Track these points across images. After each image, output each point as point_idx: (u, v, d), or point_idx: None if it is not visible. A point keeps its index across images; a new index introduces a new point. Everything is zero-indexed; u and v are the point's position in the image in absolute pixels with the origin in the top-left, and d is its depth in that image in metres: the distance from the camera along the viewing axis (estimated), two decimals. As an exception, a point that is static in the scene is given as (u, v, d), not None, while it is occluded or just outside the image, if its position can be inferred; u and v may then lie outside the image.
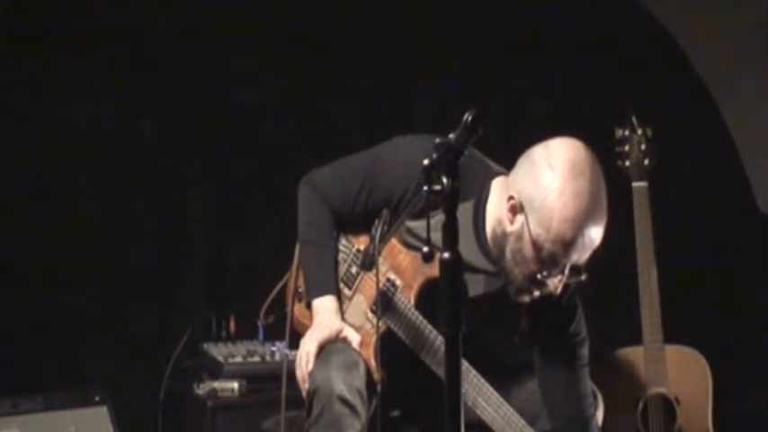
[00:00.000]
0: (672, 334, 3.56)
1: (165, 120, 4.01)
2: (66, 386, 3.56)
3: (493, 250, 2.64)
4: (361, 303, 2.79)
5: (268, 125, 4.09)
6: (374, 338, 2.68)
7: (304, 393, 2.71)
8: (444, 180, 2.01)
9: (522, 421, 2.66)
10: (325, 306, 2.77)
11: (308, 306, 2.82)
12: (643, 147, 3.63)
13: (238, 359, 3.54)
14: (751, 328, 4.25)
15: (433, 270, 2.30)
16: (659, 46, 4.29)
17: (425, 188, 2.03)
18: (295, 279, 2.89)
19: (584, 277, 2.59)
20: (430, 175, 2.02)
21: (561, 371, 2.82)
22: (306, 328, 2.79)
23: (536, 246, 2.53)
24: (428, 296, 2.67)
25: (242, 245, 4.05)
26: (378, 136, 2.83)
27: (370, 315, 2.76)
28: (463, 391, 2.04)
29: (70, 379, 3.70)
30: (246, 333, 3.69)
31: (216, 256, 4.06)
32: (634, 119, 3.66)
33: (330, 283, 2.81)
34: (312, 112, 4.11)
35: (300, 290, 2.87)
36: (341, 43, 4.14)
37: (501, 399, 2.66)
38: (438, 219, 2.03)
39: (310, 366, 2.68)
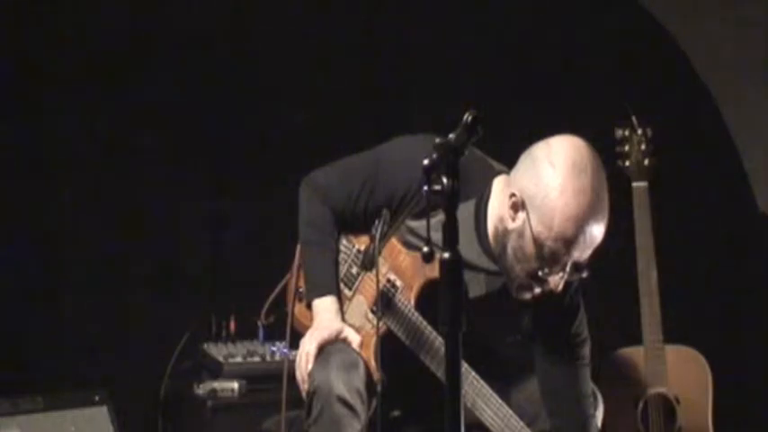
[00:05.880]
0: (672, 334, 3.56)
1: (165, 119, 4.01)
2: (66, 386, 3.56)
3: (494, 248, 2.64)
4: (361, 304, 2.79)
5: (269, 125, 4.09)
6: (374, 339, 2.68)
7: (303, 394, 2.71)
8: (444, 180, 2.01)
9: (522, 423, 2.66)
10: (325, 306, 2.77)
11: (309, 306, 2.82)
12: (643, 147, 3.63)
13: (238, 359, 3.54)
14: (751, 328, 4.25)
15: (434, 271, 2.30)
16: (659, 46, 4.30)
17: (425, 188, 2.03)
18: (296, 279, 2.89)
19: (585, 275, 2.59)
20: (430, 175, 2.02)
21: (562, 371, 2.82)
22: (306, 328, 2.79)
23: (537, 243, 2.53)
24: (428, 297, 2.67)
25: (242, 245, 4.04)
26: (378, 136, 2.83)
27: (371, 316, 2.76)
28: (462, 392, 2.04)
29: (70, 379, 3.70)
30: (246, 333, 3.69)
31: (216, 256, 4.06)
32: (634, 119, 3.66)
33: (331, 283, 2.81)
34: (313, 112, 4.11)
35: (301, 290, 2.87)
36: (341, 43, 4.14)
37: (500, 401, 2.66)
38: (439, 218, 2.02)
39: (310, 367, 2.68)
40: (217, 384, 3.45)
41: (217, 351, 3.58)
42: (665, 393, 3.54)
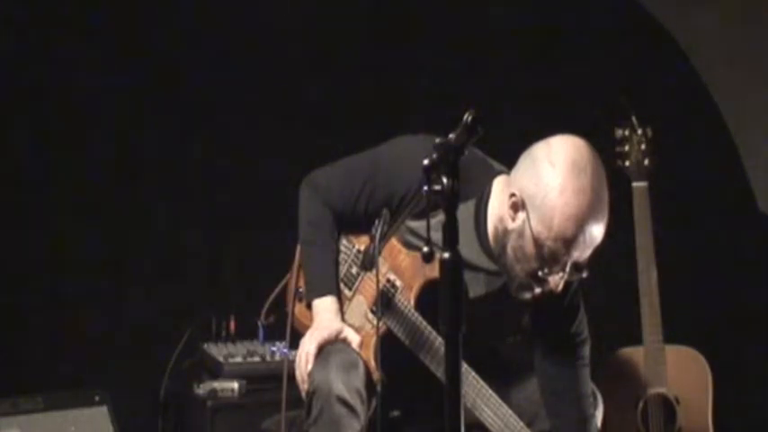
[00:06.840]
0: (672, 334, 3.56)
1: (166, 118, 4.01)
2: (66, 386, 3.56)
3: (494, 248, 2.64)
4: (361, 304, 2.79)
5: (269, 125, 4.09)
6: (374, 339, 2.68)
7: (303, 394, 2.71)
8: (444, 180, 2.01)
9: (521, 423, 2.66)
10: (325, 306, 2.77)
11: (309, 306, 2.82)
12: (643, 147, 3.63)
13: (238, 359, 3.54)
14: (751, 328, 4.25)
15: (433, 271, 2.30)
16: (659, 45, 4.29)
17: (425, 188, 2.03)
18: (296, 279, 2.89)
19: (585, 275, 2.59)
20: (430, 175, 2.02)
21: (562, 371, 2.82)
22: (306, 328, 2.79)
23: (537, 243, 2.53)
24: (428, 297, 2.67)
25: (242, 245, 4.04)
26: (378, 136, 2.83)
27: (371, 316, 2.76)
28: (462, 392, 2.04)
29: (70, 379, 3.69)
30: (246, 333, 3.69)
31: (216, 256, 4.06)
32: (634, 119, 3.66)
33: (331, 283, 2.81)
34: (313, 111, 4.11)
35: (301, 290, 2.87)
36: (340, 43, 4.14)
37: (500, 401, 2.66)
38: (439, 218, 2.02)
39: (309, 367, 2.69)
40: (217, 384, 3.45)
41: (217, 351, 3.58)
42: (665, 393, 3.54)
